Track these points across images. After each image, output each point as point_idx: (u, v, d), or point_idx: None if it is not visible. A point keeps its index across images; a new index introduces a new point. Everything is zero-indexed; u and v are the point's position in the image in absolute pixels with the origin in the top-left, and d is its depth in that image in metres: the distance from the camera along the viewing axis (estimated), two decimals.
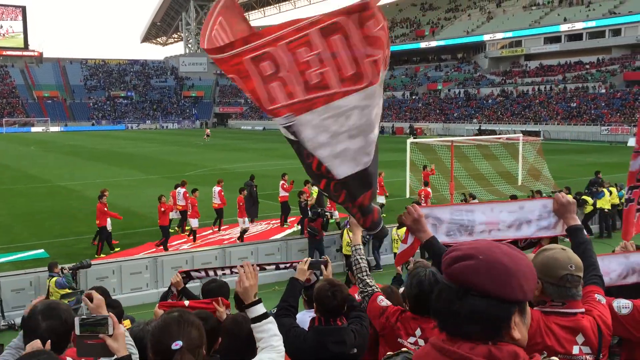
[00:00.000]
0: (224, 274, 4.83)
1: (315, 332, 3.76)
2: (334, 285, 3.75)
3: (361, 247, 3.84)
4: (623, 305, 2.92)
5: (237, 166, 36.05)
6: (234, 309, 4.54)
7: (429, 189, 18.79)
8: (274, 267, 4.88)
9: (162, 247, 15.63)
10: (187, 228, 17.65)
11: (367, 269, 3.86)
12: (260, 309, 2.94)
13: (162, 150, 50.40)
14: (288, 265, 4.84)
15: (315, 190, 17.73)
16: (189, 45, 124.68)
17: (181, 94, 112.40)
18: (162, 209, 15.84)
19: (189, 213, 17.06)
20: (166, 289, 5.07)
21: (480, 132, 57.51)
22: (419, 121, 72.38)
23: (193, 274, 4.92)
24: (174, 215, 17.54)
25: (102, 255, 15.04)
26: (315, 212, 14.17)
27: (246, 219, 17.17)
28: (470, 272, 1.55)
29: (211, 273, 4.84)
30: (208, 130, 70.51)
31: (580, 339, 2.58)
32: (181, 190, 18.07)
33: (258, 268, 4.93)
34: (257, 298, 2.96)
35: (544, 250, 2.73)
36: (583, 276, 2.65)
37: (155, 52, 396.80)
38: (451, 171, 21.42)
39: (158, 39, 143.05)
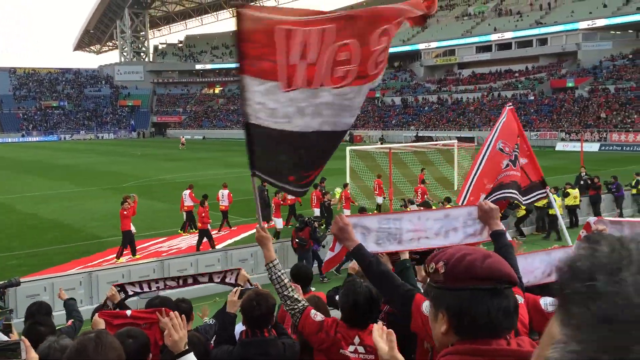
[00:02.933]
0: (157, 288, 4.77)
1: (240, 345, 3.73)
2: (259, 294, 3.74)
3: (277, 261, 3.49)
4: (550, 302, 3.06)
5: (177, 176, 35.46)
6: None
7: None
8: (207, 278, 4.85)
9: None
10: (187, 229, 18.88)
11: (290, 284, 3.50)
12: (190, 358, 2.91)
13: (98, 161, 48.96)
14: (222, 275, 4.83)
15: (337, 191, 18.14)
16: (125, 54, 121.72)
17: (117, 103, 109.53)
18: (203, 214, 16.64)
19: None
20: (103, 301, 4.97)
21: (418, 139, 58.83)
22: (358, 128, 73.33)
23: (128, 287, 4.84)
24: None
25: (120, 260, 15.11)
26: (302, 221, 13.84)
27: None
28: (503, 265, 1.55)
29: (145, 287, 4.78)
30: (183, 139, 70.86)
31: None
32: (187, 191, 19.06)
33: (192, 281, 4.92)
34: (186, 348, 2.95)
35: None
36: None
37: (88, 61, 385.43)
38: (389, 177, 21.82)
39: (91, 47, 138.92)
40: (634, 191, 20.06)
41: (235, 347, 3.75)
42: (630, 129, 50.14)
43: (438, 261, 1.59)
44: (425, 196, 19.33)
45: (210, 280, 5.01)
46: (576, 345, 0.71)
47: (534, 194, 6.36)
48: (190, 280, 4.98)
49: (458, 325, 1.51)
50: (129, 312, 4.05)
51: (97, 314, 4.15)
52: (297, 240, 13.54)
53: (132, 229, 15.78)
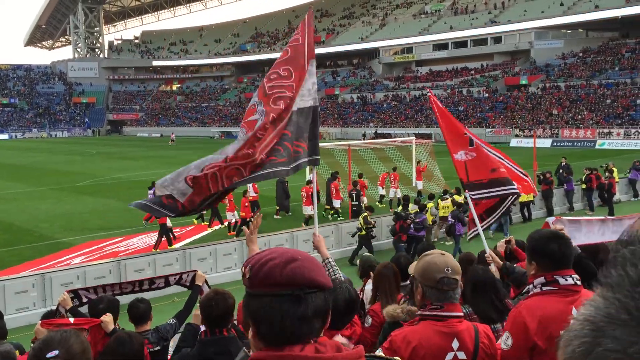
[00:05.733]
0: (113, 293, 4.71)
1: (199, 344, 3.75)
2: (218, 294, 3.76)
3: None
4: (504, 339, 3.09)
5: (133, 175, 34.85)
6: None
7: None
8: (163, 281, 4.81)
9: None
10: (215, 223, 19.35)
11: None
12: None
13: (51, 160, 47.66)
14: (178, 277, 4.80)
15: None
16: (78, 49, 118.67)
17: (71, 100, 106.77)
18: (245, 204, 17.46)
19: (227, 207, 18.20)
20: (55, 307, 4.87)
21: (377, 136, 59.34)
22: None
23: (82, 293, 4.76)
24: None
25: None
26: (396, 213, 15.10)
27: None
28: (307, 270, 1.52)
29: (100, 292, 4.71)
30: (173, 135, 70.94)
31: (455, 344, 2.72)
32: None
33: (148, 286, 4.88)
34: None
35: (424, 256, 2.89)
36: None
37: (40, 57, 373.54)
38: (349, 174, 21.94)
39: (44, 43, 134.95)
40: (584, 186, 20.73)
41: (194, 348, 3.75)
42: (581, 125, 51.76)
43: (246, 265, 1.57)
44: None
45: (167, 284, 4.97)
46: (602, 303, 0.75)
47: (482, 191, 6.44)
48: (146, 286, 4.93)
49: (258, 331, 1.51)
50: (72, 320, 4.07)
51: (39, 323, 4.11)
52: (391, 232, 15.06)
53: (168, 222, 16.54)
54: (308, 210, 18.85)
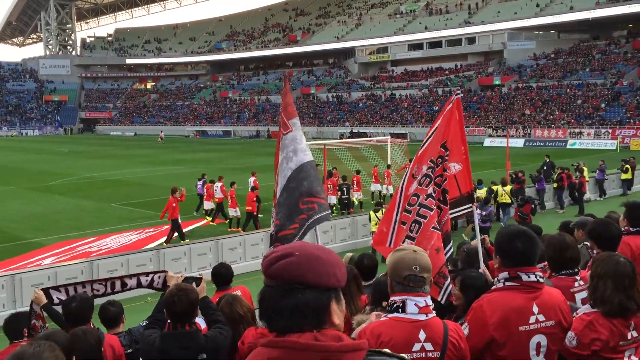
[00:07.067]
0: (85, 293, 4.64)
1: (161, 337, 3.77)
2: (181, 289, 3.77)
3: None
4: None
5: (106, 174, 34.39)
6: None
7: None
8: (135, 281, 4.76)
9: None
10: (216, 217, 19.88)
11: None
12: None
13: (21, 159, 46.77)
14: (149, 279, 4.74)
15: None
16: (50, 47, 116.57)
17: (42, 98, 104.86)
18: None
19: (229, 204, 18.59)
20: (26, 308, 4.78)
21: (353, 135, 59.51)
22: None
23: (53, 293, 4.68)
24: (209, 205, 19.99)
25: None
26: (523, 198, 16.22)
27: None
28: (292, 267, 1.65)
29: (72, 292, 4.64)
30: (162, 133, 70.98)
31: (422, 335, 2.77)
32: (218, 184, 19.73)
33: (120, 287, 4.82)
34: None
35: (397, 251, 2.94)
36: None
37: (11, 54, 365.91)
38: (324, 174, 21.98)
39: (14, 40, 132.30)
40: (555, 185, 21.08)
41: (157, 339, 3.78)
42: (552, 125, 52.63)
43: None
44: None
45: (139, 284, 4.92)
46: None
47: (459, 208, 5.38)
48: (118, 287, 4.86)
49: (260, 317, 1.71)
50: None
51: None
52: (519, 214, 15.97)
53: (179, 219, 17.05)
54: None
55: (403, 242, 4.56)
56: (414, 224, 4.71)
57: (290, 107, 5.46)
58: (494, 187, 18.08)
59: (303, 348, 1.60)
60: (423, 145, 5.15)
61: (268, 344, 1.65)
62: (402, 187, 4.98)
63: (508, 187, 18.25)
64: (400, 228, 4.78)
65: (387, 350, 1.82)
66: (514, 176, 20.08)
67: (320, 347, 1.60)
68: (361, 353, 1.64)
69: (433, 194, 4.79)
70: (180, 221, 17.13)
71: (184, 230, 17.67)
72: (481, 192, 16.94)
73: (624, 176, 23.32)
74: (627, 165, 23.21)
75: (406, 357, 1.86)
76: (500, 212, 17.92)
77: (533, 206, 16.37)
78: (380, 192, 23.32)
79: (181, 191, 17.35)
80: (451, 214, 5.11)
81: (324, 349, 1.60)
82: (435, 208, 4.75)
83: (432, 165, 4.93)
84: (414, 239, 4.60)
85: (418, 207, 4.74)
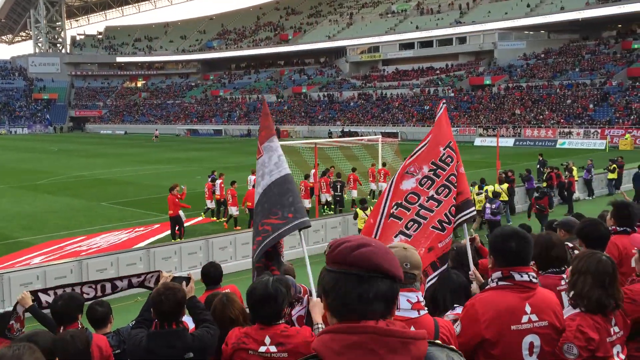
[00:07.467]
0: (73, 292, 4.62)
1: (147, 336, 3.78)
2: (168, 288, 3.77)
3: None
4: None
5: (96, 173, 34.21)
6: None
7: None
8: (126, 282, 4.74)
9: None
10: (220, 216, 20.00)
11: None
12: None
13: (10, 157, 46.42)
14: (141, 279, 4.73)
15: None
16: (39, 44, 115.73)
17: (31, 96, 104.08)
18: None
19: (229, 202, 18.59)
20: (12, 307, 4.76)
21: (344, 134, 59.55)
22: (285, 124, 73.35)
23: (42, 296, 4.65)
24: (210, 205, 20.11)
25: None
26: (542, 191, 17.12)
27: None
28: (373, 255, 1.69)
29: (60, 293, 4.61)
30: (157, 132, 70.62)
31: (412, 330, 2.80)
32: (219, 181, 19.89)
33: (110, 289, 4.80)
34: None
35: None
36: None
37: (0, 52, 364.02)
38: (315, 173, 21.98)
39: (3, 37, 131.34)
40: (544, 184, 21.19)
41: (144, 338, 3.79)
42: (542, 125, 52.92)
43: (330, 245, 1.78)
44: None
45: (130, 285, 4.90)
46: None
47: (465, 212, 4.99)
48: (108, 289, 4.85)
49: (331, 304, 1.72)
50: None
51: None
52: (537, 206, 16.61)
53: (183, 217, 17.20)
54: (305, 203, 19.44)
55: (395, 237, 4.54)
56: (411, 222, 4.67)
57: (265, 131, 5.56)
58: (494, 186, 18.21)
59: (386, 333, 1.65)
60: (420, 148, 5.10)
61: (347, 329, 1.66)
62: (392, 181, 4.95)
63: (505, 185, 18.34)
64: (393, 222, 4.71)
65: (438, 341, 1.89)
66: (503, 175, 20.17)
67: (401, 332, 1.67)
68: (425, 342, 1.73)
69: (436, 196, 4.78)
70: (184, 218, 17.29)
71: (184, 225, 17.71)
72: (481, 197, 17.27)
73: (610, 176, 23.51)
74: (614, 165, 23.39)
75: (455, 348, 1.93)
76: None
77: (549, 198, 17.00)
78: (372, 190, 23.42)
79: (182, 189, 17.30)
80: (458, 219, 4.94)
81: (404, 335, 1.66)
82: (437, 210, 4.72)
83: (435, 167, 4.88)
84: (410, 236, 4.58)
85: (418, 208, 4.71)
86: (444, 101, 5.69)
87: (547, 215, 16.35)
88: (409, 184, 4.87)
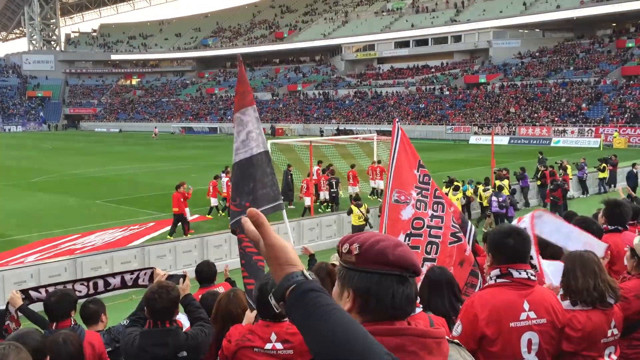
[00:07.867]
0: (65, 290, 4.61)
1: (140, 335, 3.78)
2: (162, 287, 3.77)
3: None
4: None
5: (91, 171, 34.11)
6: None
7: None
8: (119, 280, 4.74)
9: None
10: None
11: None
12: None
13: (4, 155, 46.22)
14: (134, 277, 4.73)
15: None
16: (34, 42, 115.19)
17: (25, 94, 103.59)
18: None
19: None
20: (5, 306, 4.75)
21: (339, 132, 59.54)
22: (280, 122, 73.30)
23: (33, 294, 4.65)
24: (215, 202, 20.13)
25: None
26: (556, 183, 17.83)
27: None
28: (409, 255, 1.67)
29: (52, 290, 4.61)
30: (156, 129, 70.83)
31: None
32: (225, 179, 20.09)
33: (103, 287, 4.80)
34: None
35: None
36: None
37: None
38: (310, 171, 21.99)
39: None
40: (539, 182, 21.28)
41: (137, 337, 3.79)
42: (537, 123, 53.05)
43: (352, 243, 1.68)
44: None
45: (124, 283, 4.89)
46: None
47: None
48: (101, 287, 4.84)
49: (363, 305, 1.64)
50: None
51: None
52: (551, 198, 17.38)
53: (189, 216, 17.44)
54: (307, 201, 19.79)
55: (422, 266, 4.53)
56: (429, 245, 4.87)
57: (238, 96, 5.29)
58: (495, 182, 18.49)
59: (423, 334, 1.63)
60: (393, 170, 5.29)
61: (387, 332, 1.60)
62: (386, 211, 5.10)
63: (506, 181, 18.42)
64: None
65: (456, 340, 1.90)
66: (503, 173, 20.26)
67: (435, 333, 1.65)
68: (447, 341, 1.72)
69: (435, 213, 5.00)
70: (189, 218, 17.49)
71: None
72: (487, 193, 17.57)
73: (601, 175, 23.66)
74: (604, 164, 23.54)
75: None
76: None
77: (563, 190, 17.57)
78: (374, 189, 23.64)
79: (189, 189, 17.45)
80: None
81: (438, 335, 1.65)
82: (444, 225, 4.97)
83: (419, 189, 5.11)
84: (435, 260, 4.77)
85: (427, 229, 4.92)
86: (398, 119, 5.90)
87: (560, 206, 17.06)
88: (408, 213, 5.04)
